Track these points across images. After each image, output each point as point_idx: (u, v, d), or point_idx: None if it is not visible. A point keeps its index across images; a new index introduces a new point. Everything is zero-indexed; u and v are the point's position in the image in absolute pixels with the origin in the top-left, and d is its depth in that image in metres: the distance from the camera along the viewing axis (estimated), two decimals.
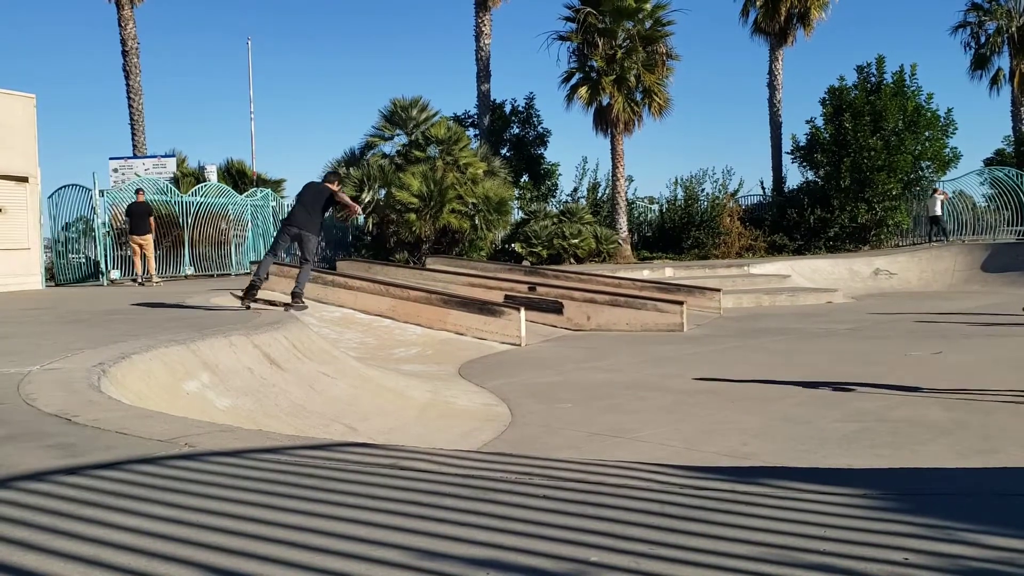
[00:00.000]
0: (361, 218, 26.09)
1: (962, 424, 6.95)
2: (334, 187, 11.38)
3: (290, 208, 11.13)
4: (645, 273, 21.70)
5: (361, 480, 3.37)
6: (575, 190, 31.54)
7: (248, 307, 10.97)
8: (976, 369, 9.67)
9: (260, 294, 11.25)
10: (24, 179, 18.02)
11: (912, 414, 7.37)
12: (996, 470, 4.54)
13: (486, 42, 28.95)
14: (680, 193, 30.14)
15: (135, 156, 26.92)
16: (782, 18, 30.06)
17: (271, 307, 11.21)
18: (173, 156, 27.06)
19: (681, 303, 15.16)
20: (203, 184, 24.70)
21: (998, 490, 3.09)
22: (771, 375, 9.56)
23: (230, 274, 23.19)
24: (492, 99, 30.09)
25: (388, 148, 26.69)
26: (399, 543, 2.52)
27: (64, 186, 22.30)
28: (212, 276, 22.86)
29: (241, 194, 25.50)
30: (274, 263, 17.90)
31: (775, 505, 2.74)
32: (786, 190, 31.33)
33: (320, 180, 11.67)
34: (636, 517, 2.65)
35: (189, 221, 22.89)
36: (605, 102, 26.89)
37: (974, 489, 3.14)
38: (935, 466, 5.43)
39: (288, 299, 11.40)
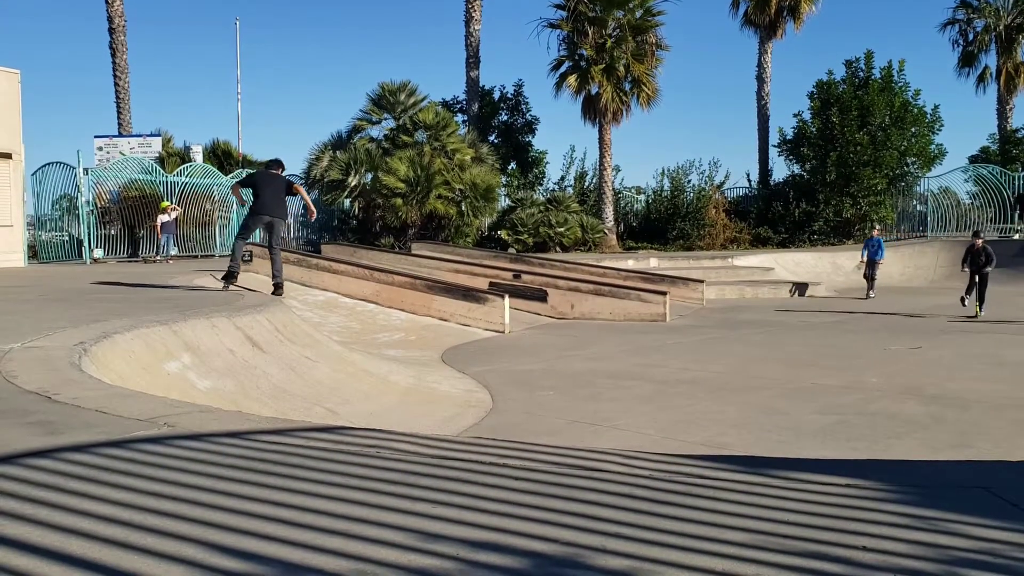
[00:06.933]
0: (347, 202, 26.00)
1: (938, 419, 7.06)
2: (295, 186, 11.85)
3: (253, 194, 11.15)
4: (630, 263, 21.80)
5: (344, 460, 3.40)
6: (562, 179, 31.64)
7: (227, 288, 11.05)
8: (953, 364, 9.80)
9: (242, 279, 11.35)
10: (8, 155, 17.87)
11: (889, 408, 7.47)
12: (961, 463, 4.63)
13: (476, 28, 28.87)
14: (667, 184, 30.29)
15: (120, 135, 26.70)
16: (772, 10, 30.15)
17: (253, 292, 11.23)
18: (159, 136, 26.88)
19: (664, 293, 15.25)
20: (188, 164, 24.56)
21: (960, 482, 3.17)
22: (751, 367, 9.65)
23: (214, 255, 23.10)
24: (481, 85, 30.04)
25: (375, 132, 26.64)
26: (394, 523, 2.55)
27: (48, 163, 22.18)
28: (196, 257, 22.77)
29: (227, 175, 25.38)
30: (255, 245, 17.86)
31: (743, 491, 2.80)
32: (772, 183, 31.51)
33: (274, 169, 11.56)
34: (608, 499, 2.70)
35: (174, 201, 22.76)
36: (594, 91, 26.90)
37: (936, 480, 3.22)
38: (908, 459, 5.52)
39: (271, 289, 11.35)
